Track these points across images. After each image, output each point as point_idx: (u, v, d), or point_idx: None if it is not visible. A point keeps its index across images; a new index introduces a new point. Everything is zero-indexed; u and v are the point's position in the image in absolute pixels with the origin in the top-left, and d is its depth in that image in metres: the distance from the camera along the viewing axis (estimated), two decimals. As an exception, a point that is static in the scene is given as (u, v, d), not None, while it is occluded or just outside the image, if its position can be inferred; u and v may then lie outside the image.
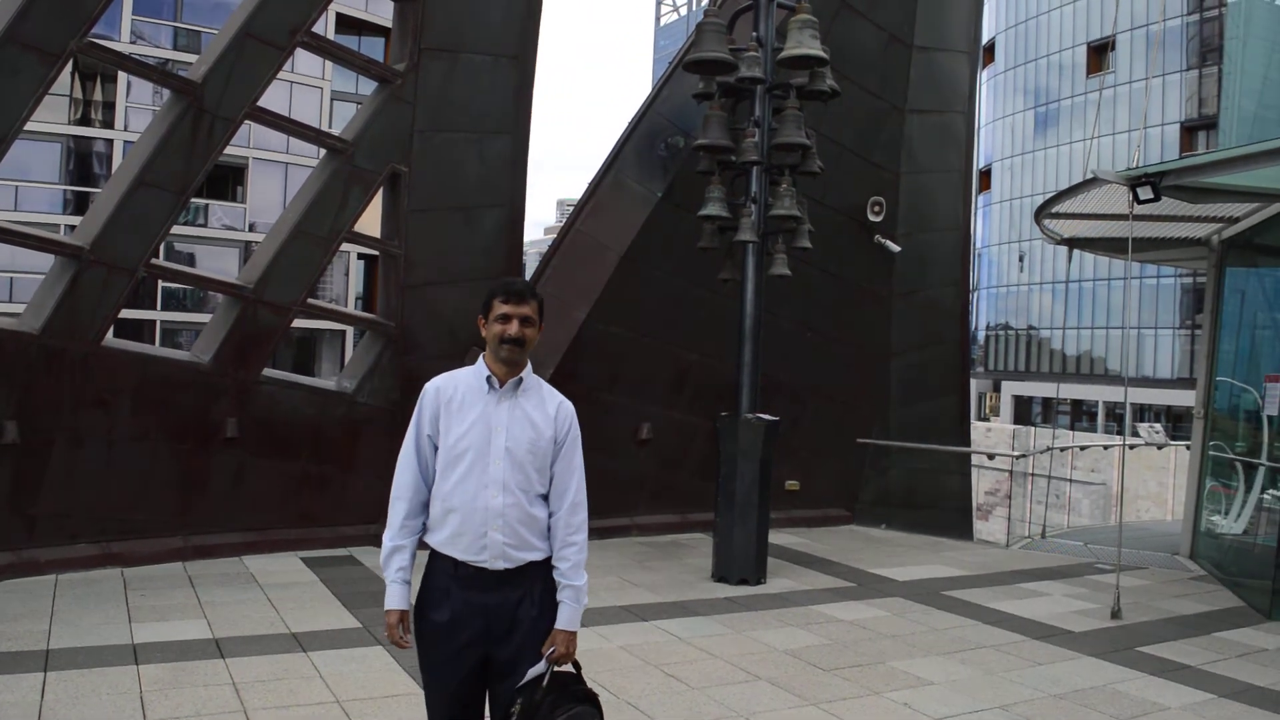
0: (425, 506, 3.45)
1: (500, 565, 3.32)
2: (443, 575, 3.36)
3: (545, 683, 3.29)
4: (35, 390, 7.87)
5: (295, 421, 9.37)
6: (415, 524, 3.44)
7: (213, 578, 8.06)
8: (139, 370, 8.51)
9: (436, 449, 3.42)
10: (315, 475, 9.45)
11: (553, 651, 3.34)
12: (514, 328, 3.37)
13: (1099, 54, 55.65)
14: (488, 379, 3.40)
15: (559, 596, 3.40)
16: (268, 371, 9.28)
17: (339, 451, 9.58)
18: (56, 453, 7.97)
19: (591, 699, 3.41)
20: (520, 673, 3.31)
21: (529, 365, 3.47)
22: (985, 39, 59.43)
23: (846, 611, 8.04)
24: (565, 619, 3.39)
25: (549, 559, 3.42)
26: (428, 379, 10.76)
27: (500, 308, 3.39)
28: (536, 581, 3.39)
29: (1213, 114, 46.83)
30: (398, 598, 3.40)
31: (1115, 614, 8.16)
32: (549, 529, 3.43)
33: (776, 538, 10.25)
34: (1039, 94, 60.99)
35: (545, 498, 3.43)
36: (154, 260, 8.64)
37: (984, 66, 60.28)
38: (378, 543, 9.34)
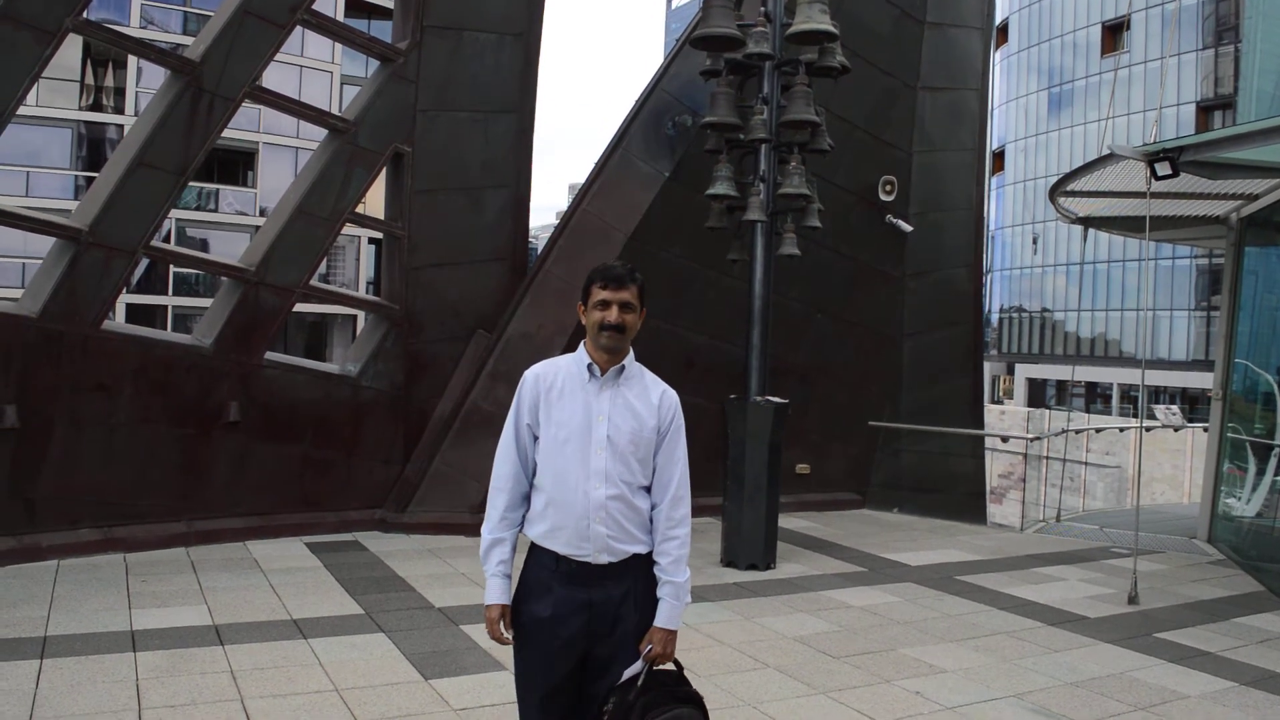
0: (526, 498, 3.33)
1: (604, 559, 3.19)
2: (544, 570, 3.24)
3: (641, 682, 3.16)
4: (35, 374, 7.77)
5: (298, 405, 9.28)
6: (515, 516, 3.33)
7: (215, 563, 7.97)
8: (140, 354, 8.40)
9: (536, 439, 3.29)
10: (319, 460, 9.36)
11: (649, 650, 3.20)
12: (614, 314, 3.23)
13: (1114, 33, 55.08)
14: (589, 367, 3.27)
15: (659, 593, 3.26)
16: (270, 355, 9.18)
17: (343, 436, 9.49)
18: (57, 437, 7.89)
19: (695, 700, 3.26)
20: (616, 672, 3.18)
21: (631, 353, 3.33)
22: (999, 19, 58.96)
23: (857, 597, 7.91)
24: (664, 617, 3.24)
25: (652, 552, 3.30)
26: (432, 361, 10.63)
27: (599, 294, 3.25)
28: (640, 577, 3.26)
29: (1228, 94, 46.26)
30: (498, 592, 3.26)
31: (1132, 599, 8.01)
32: (651, 521, 3.30)
33: (786, 522, 10.12)
34: (1053, 74, 60.42)
35: (648, 489, 3.30)
36: (154, 242, 8.52)
37: (997, 47, 59.78)
38: (383, 527, 9.37)
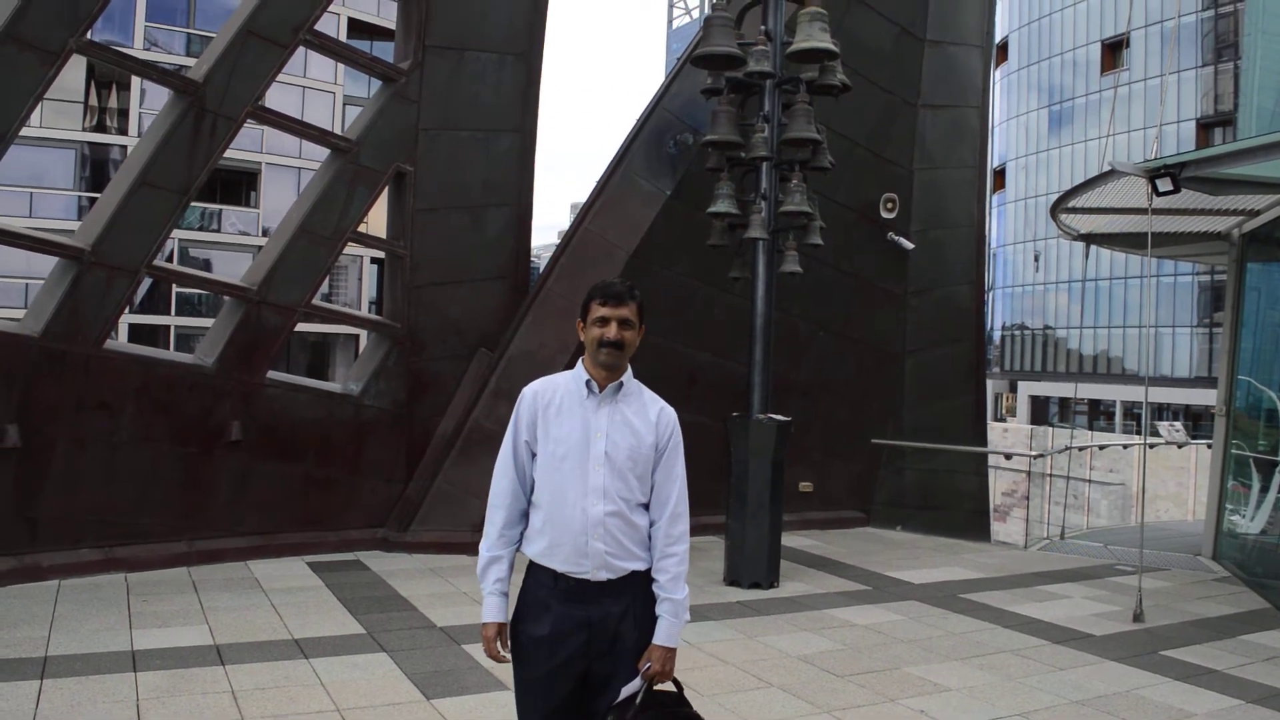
0: (524, 515, 3.33)
1: (603, 576, 3.18)
2: (542, 588, 3.23)
3: (639, 701, 3.14)
4: (37, 393, 7.77)
5: (301, 424, 9.27)
6: (513, 533, 3.32)
7: (217, 583, 7.95)
8: (142, 373, 8.40)
9: (534, 456, 3.29)
10: (321, 479, 9.34)
11: (648, 668, 3.18)
12: (613, 331, 3.23)
13: (1113, 51, 55.24)
14: (587, 383, 3.27)
15: (658, 610, 3.25)
16: (273, 374, 9.18)
17: (345, 454, 9.48)
18: (59, 456, 7.88)
19: None
20: (615, 689, 3.17)
21: (629, 370, 3.33)
22: (999, 37, 59.13)
23: (861, 615, 7.87)
24: (663, 634, 3.23)
25: (651, 569, 3.28)
26: (435, 380, 10.61)
27: (598, 310, 3.26)
28: (639, 594, 3.25)
29: (1228, 110, 46.33)
30: (495, 610, 3.26)
31: (1137, 617, 7.97)
32: (650, 538, 3.29)
33: (790, 540, 10.09)
34: (1053, 92, 60.60)
35: (646, 506, 3.30)
36: (156, 262, 8.53)
37: (997, 65, 59.95)
38: (385, 546, 9.34)
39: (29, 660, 5.83)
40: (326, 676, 5.82)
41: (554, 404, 3.28)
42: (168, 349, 35.20)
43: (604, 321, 3.24)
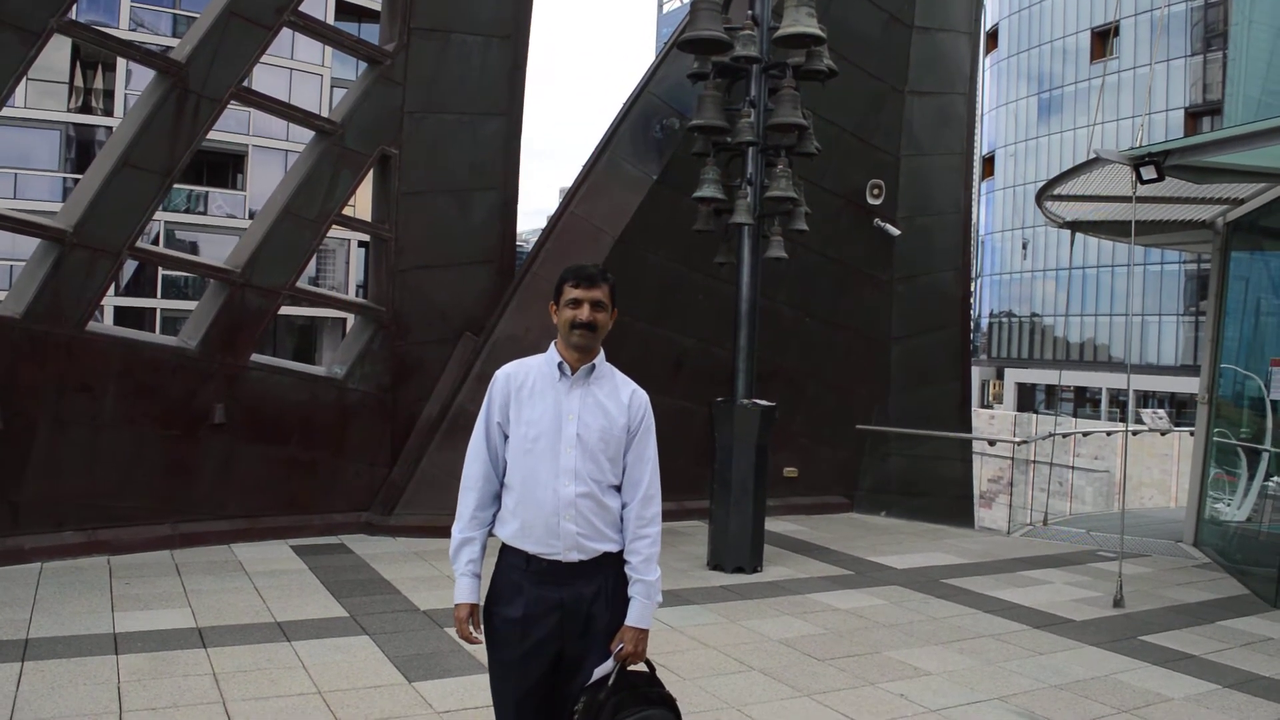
0: (496, 497, 3.34)
1: (574, 557, 3.18)
2: (514, 571, 3.23)
3: (611, 682, 3.15)
4: (18, 375, 7.74)
5: (284, 407, 9.25)
6: (486, 515, 3.33)
7: (200, 566, 7.94)
8: (125, 355, 8.37)
9: (507, 437, 3.30)
10: (305, 462, 9.33)
11: (620, 649, 3.19)
12: (585, 312, 3.24)
13: (1103, 39, 55.25)
14: (559, 365, 3.28)
15: (630, 591, 3.25)
16: (256, 357, 9.15)
17: (329, 438, 9.46)
18: (41, 439, 7.85)
19: (668, 703, 3.26)
20: (589, 671, 3.17)
21: (601, 352, 3.34)
22: (989, 25, 59.15)
23: (843, 600, 7.91)
24: (635, 615, 3.23)
25: (623, 551, 3.29)
26: (419, 364, 10.58)
27: (571, 292, 3.27)
28: (611, 575, 3.25)
29: (1216, 99, 46.39)
30: (467, 591, 3.26)
31: (1118, 602, 8.02)
32: (622, 520, 3.30)
33: (774, 525, 10.12)
34: (1042, 80, 60.62)
35: (618, 488, 3.31)
36: (139, 244, 8.49)
37: (987, 53, 59.94)
38: (369, 530, 9.34)
39: (10, 642, 5.82)
40: (308, 659, 5.82)
41: (526, 386, 3.28)
42: (154, 332, 35.04)
43: (576, 303, 3.25)
